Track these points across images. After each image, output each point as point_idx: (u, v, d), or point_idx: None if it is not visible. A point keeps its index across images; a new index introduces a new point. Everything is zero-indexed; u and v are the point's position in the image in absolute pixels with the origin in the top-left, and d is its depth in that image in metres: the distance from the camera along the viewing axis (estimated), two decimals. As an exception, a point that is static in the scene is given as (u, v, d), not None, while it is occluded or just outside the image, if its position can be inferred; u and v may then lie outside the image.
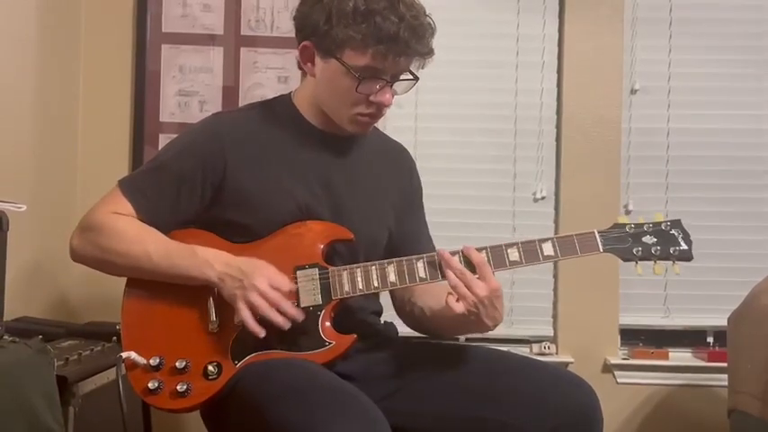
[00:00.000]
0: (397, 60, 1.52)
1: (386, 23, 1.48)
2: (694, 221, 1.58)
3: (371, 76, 1.53)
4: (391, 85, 1.56)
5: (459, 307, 1.49)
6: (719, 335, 2.66)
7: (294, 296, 1.53)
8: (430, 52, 1.56)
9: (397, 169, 1.80)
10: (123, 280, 1.62)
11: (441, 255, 1.52)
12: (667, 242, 1.55)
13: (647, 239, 1.55)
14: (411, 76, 1.59)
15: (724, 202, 2.71)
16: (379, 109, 1.58)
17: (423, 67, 1.59)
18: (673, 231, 1.56)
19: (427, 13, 1.56)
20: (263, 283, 1.48)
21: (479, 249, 1.53)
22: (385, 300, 1.79)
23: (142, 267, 1.56)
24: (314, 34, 1.55)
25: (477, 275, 1.50)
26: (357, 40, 1.49)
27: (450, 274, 1.50)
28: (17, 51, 2.21)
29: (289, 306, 1.49)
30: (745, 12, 2.73)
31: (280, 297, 1.49)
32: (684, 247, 1.55)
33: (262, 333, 1.49)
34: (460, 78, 2.70)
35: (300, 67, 1.65)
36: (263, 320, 1.49)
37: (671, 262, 1.55)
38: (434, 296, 1.64)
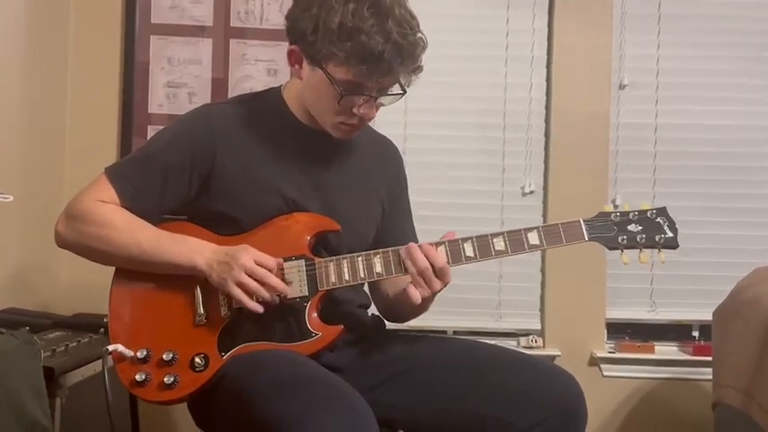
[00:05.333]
0: (381, 80, 1.51)
1: (371, 43, 1.45)
2: (681, 216, 1.58)
3: (355, 90, 1.51)
4: (375, 99, 1.55)
5: (418, 297, 1.51)
6: (705, 329, 2.68)
7: (281, 272, 1.53)
8: (417, 69, 1.54)
9: (385, 165, 1.79)
10: (111, 271, 1.61)
11: (410, 249, 1.51)
12: (653, 230, 1.55)
13: (633, 228, 1.55)
14: (398, 90, 1.56)
15: (710, 197, 2.73)
16: (362, 120, 1.58)
17: (409, 85, 1.56)
18: (658, 219, 1.55)
19: (419, 28, 1.52)
20: (249, 261, 1.49)
21: (439, 243, 1.53)
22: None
23: (130, 255, 1.55)
24: (301, 40, 1.54)
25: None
26: (340, 58, 1.47)
27: (412, 269, 1.50)
28: (5, 41, 2.20)
29: (275, 280, 1.50)
30: (733, 8, 2.74)
31: (265, 272, 1.50)
32: (670, 234, 1.54)
33: (260, 309, 1.50)
34: (450, 73, 2.69)
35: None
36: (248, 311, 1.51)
37: (656, 250, 1.55)
38: (394, 283, 1.66)
